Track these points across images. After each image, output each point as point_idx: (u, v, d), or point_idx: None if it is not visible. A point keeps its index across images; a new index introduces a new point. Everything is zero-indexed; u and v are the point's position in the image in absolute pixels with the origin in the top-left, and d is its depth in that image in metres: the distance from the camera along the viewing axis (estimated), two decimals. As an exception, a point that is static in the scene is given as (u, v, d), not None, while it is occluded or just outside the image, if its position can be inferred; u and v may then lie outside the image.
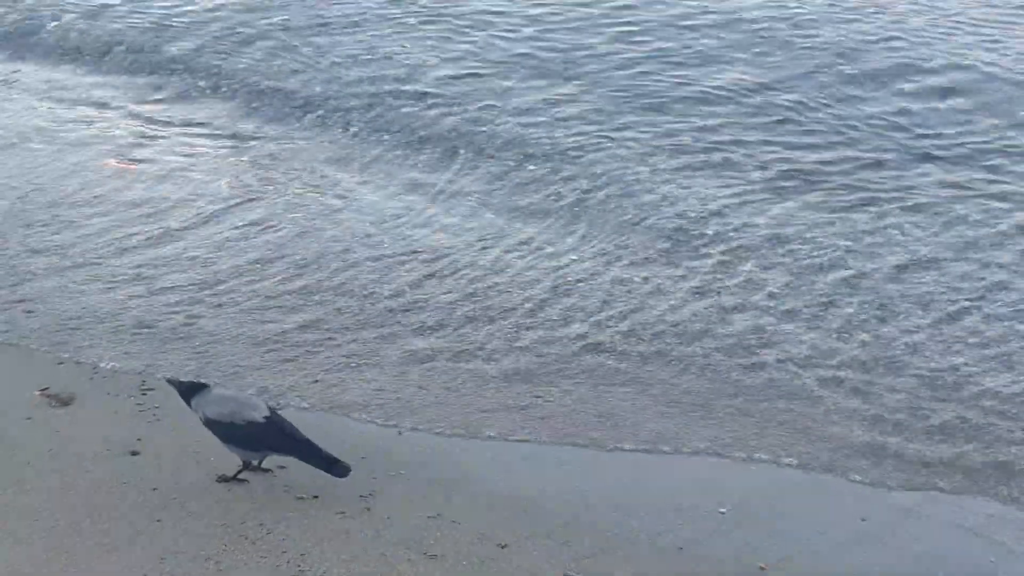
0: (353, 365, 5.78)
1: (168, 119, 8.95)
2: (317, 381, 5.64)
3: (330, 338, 6.02)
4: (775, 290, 6.46)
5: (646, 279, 6.58)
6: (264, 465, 4.80)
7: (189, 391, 4.82)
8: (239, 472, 4.74)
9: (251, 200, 7.57)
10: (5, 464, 4.82)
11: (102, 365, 5.67)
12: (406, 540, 4.44)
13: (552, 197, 7.62)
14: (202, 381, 5.01)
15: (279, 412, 4.80)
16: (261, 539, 4.41)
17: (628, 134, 8.49)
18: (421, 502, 4.68)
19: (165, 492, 4.66)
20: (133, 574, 4.19)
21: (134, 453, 4.89)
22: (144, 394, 5.35)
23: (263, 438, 4.66)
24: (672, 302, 6.36)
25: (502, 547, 4.45)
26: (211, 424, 4.69)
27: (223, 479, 4.73)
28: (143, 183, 7.82)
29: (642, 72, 9.60)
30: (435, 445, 5.17)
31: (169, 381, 4.97)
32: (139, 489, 4.67)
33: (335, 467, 4.63)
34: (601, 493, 4.90)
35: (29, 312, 6.16)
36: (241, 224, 7.23)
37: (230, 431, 4.66)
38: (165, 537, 4.39)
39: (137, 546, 4.34)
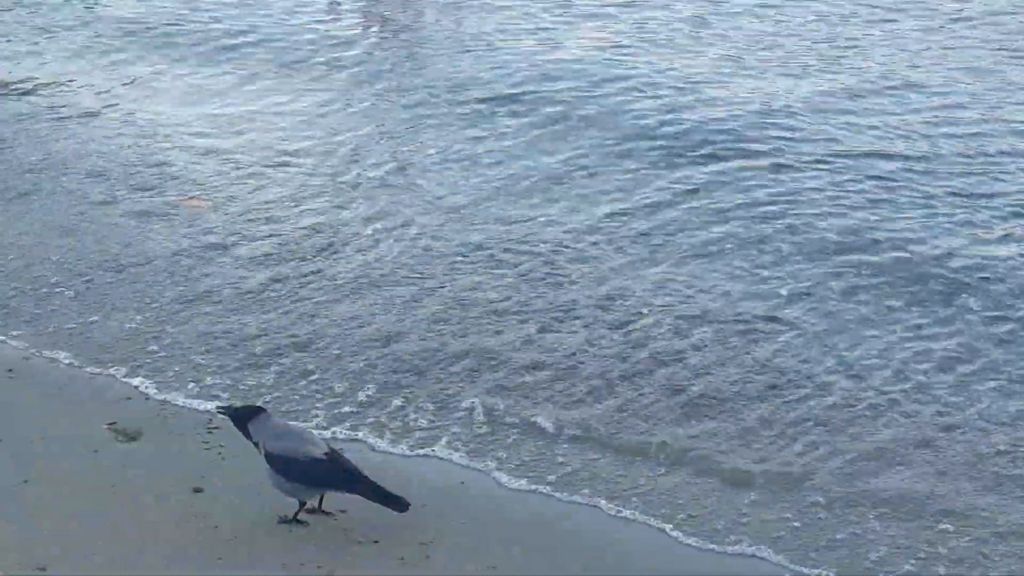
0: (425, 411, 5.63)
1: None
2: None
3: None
4: None
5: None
6: (324, 507, 4.66)
7: (245, 417, 4.68)
8: (297, 513, 4.61)
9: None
10: (69, 497, 4.73)
11: (171, 401, 5.60)
12: (464, 589, 4.24)
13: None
14: (257, 405, 4.87)
15: (335, 449, 4.69)
16: (320, 582, 4.23)
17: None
18: (480, 552, 4.51)
19: (226, 530, 4.54)
20: (191, 611, 4.06)
21: (197, 490, 4.78)
22: (210, 432, 5.22)
23: (324, 475, 4.53)
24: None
25: (559, 601, 4.26)
26: (272, 459, 4.55)
27: (284, 520, 4.60)
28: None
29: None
30: (498, 496, 4.98)
31: (220, 409, 4.86)
32: (200, 527, 4.55)
33: (396, 503, 4.50)
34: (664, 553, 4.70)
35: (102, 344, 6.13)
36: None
37: (292, 466, 4.52)
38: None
39: (197, 583, 4.19)
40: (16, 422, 5.33)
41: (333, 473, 4.54)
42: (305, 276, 6.91)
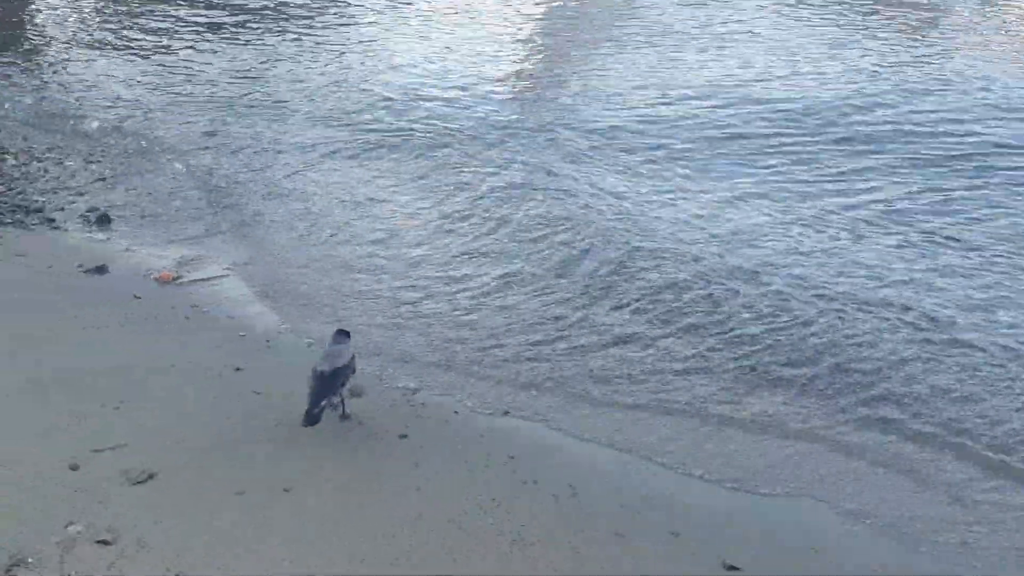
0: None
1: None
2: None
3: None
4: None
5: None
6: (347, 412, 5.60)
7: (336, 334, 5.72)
8: (341, 411, 5.56)
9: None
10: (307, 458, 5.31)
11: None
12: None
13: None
14: (343, 330, 5.77)
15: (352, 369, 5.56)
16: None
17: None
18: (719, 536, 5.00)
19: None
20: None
21: (404, 435, 5.57)
22: (415, 394, 6.12)
23: (310, 381, 5.41)
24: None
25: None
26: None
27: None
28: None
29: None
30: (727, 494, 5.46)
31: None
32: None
33: (306, 415, 5.27)
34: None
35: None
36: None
37: (311, 374, 5.47)
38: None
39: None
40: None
41: (312, 382, 5.39)
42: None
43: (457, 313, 7.19)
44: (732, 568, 4.61)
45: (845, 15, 15.10)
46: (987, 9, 15.02)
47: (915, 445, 5.71)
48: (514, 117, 11.03)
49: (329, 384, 5.37)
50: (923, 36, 13.66)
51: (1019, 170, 9.53)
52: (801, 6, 15.64)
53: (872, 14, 15.10)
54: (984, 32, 13.92)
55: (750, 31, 14.12)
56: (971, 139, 10.17)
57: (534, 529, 4.81)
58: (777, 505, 5.27)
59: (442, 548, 4.63)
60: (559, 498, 5.09)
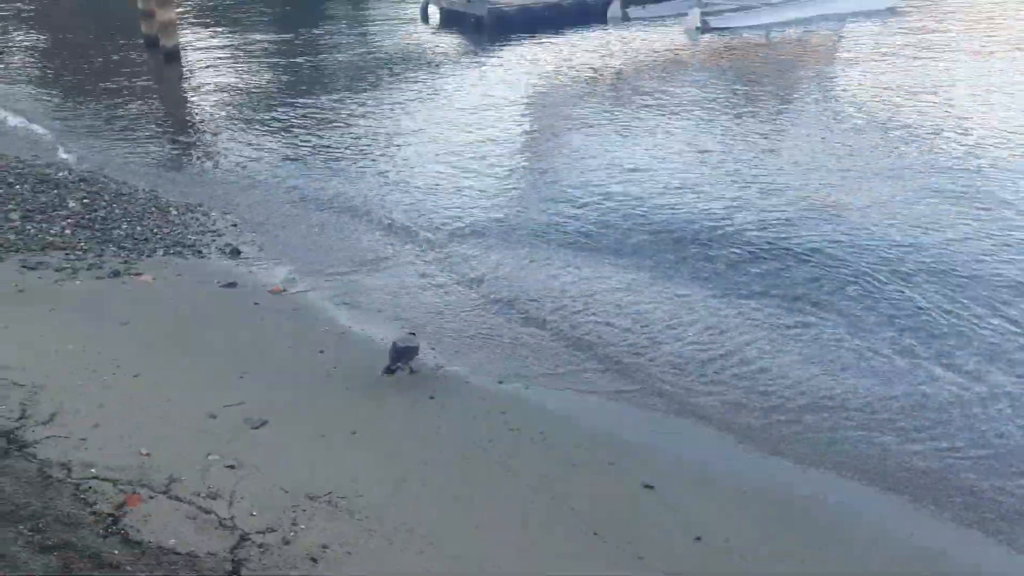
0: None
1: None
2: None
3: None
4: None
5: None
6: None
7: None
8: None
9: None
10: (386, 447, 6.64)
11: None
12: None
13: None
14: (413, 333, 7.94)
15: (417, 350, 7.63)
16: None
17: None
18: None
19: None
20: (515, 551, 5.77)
21: (428, 398, 7.40)
22: (440, 368, 8.06)
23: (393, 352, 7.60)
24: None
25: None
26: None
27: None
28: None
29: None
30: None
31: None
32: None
33: (386, 370, 7.39)
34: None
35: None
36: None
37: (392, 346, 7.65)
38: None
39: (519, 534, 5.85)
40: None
41: (392, 351, 7.52)
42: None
43: (466, 324, 9.02)
44: (648, 487, 6.30)
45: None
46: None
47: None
48: (514, 211, 12.32)
49: (403, 354, 7.46)
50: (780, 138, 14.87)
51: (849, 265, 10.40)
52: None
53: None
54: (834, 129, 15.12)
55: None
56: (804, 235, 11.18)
57: (516, 459, 6.56)
58: (684, 450, 6.97)
59: (454, 469, 6.37)
60: (534, 439, 6.88)
